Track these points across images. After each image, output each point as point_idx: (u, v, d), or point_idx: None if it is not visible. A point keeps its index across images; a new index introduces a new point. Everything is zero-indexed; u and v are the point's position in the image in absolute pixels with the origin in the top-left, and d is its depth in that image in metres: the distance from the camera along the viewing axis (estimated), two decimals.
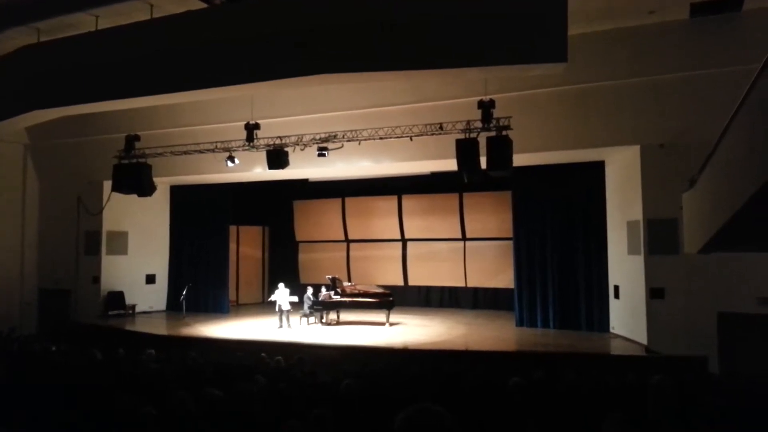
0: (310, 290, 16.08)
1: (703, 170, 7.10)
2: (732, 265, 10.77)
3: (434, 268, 19.29)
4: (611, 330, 13.98)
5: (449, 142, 11.01)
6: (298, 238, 21.54)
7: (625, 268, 13.24)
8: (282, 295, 15.33)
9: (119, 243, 18.17)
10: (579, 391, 6.39)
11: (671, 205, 10.64)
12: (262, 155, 13.00)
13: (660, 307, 11.82)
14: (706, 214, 6.95)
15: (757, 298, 10.88)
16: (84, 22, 11.51)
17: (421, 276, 19.63)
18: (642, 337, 12.17)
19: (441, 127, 11.61)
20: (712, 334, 11.19)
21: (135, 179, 13.55)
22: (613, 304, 14.02)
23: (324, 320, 15.87)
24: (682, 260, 11.23)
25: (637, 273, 12.38)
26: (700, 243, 7.37)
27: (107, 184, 15.15)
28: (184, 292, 17.03)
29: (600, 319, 14.40)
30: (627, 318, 13.21)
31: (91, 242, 17.95)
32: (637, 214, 12.32)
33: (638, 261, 12.32)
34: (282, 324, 15.21)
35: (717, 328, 11.22)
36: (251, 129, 12.75)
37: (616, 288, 13.78)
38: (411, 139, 12.07)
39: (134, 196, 13.98)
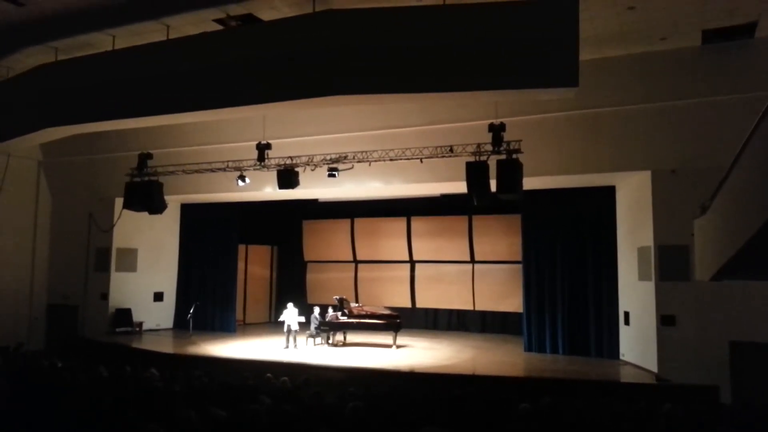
0: (317, 310, 16.04)
1: (715, 196, 7.04)
2: (744, 293, 10.65)
3: (442, 291, 19.18)
4: (621, 357, 13.80)
5: (459, 164, 11.04)
6: (307, 258, 21.52)
7: (635, 294, 13.11)
8: (291, 315, 15.30)
9: (129, 260, 18.23)
10: (588, 419, 6.29)
11: (683, 231, 10.56)
12: (273, 175, 13.09)
13: (671, 335, 11.67)
14: (718, 241, 6.88)
15: None
16: (101, 42, 11.71)
17: (428, 298, 19.52)
18: (652, 365, 12.00)
19: (451, 150, 11.65)
20: (724, 363, 11.02)
21: (146, 197, 13.66)
22: (624, 331, 13.85)
23: (330, 341, 15.79)
24: (693, 287, 11.12)
25: (647, 299, 12.25)
26: (712, 270, 7.29)
27: (119, 201, 15.30)
28: (191, 311, 17.02)
29: (610, 346, 14.22)
30: (637, 345, 13.04)
31: (101, 259, 18.03)
32: (648, 239, 12.23)
33: (649, 287, 12.20)
34: (288, 344, 15.14)
35: (729, 357, 11.04)
36: (262, 149, 12.86)
37: (627, 314, 13.62)
38: (421, 161, 12.12)
39: (145, 214, 14.10)
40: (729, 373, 10.96)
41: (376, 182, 14.30)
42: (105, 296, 17.79)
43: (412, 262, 19.80)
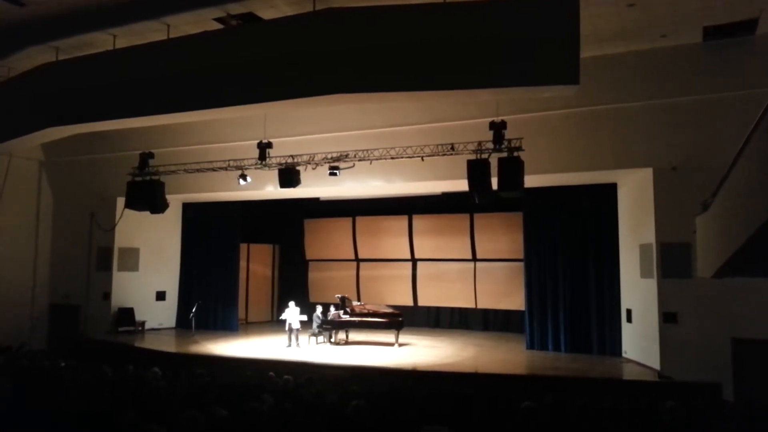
0: (319, 309, 16.04)
1: (716, 193, 7.03)
2: (746, 289, 10.62)
3: (444, 289, 19.18)
4: (623, 354, 13.80)
5: (461, 162, 11.03)
6: (308, 256, 21.54)
7: (637, 291, 13.10)
8: (292, 314, 15.31)
9: (131, 259, 18.26)
10: (590, 417, 6.30)
11: (684, 228, 10.53)
12: (274, 174, 13.08)
13: (673, 332, 11.66)
14: (720, 238, 6.87)
15: None
16: (102, 41, 11.70)
17: (430, 296, 19.53)
18: (655, 362, 12.00)
19: (452, 148, 11.64)
20: (726, 360, 11.01)
21: (148, 196, 13.67)
22: (626, 328, 13.85)
23: (333, 340, 15.81)
24: (695, 284, 11.09)
25: (649, 297, 12.25)
26: (714, 267, 7.28)
27: (120, 201, 15.31)
28: (193, 310, 17.03)
29: (612, 343, 14.22)
30: (639, 342, 13.03)
31: (102, 258, 18.07)
32: (649, 237, 12.22)
33: (651, 284, 12.19)
34: (291, 343, 15.16)
35: (731, 354, 11.04)
36: (263, 148, 12.85)
37: (629, 312, 13.62)
38: (422, 159, 12.11)
39: (146, 213, 14.10)
40: (731, 371, 10.95)
41: (378, 180, 14.29)
42: (107, 296, 17.84)
43: (414, 261, 19.80)
